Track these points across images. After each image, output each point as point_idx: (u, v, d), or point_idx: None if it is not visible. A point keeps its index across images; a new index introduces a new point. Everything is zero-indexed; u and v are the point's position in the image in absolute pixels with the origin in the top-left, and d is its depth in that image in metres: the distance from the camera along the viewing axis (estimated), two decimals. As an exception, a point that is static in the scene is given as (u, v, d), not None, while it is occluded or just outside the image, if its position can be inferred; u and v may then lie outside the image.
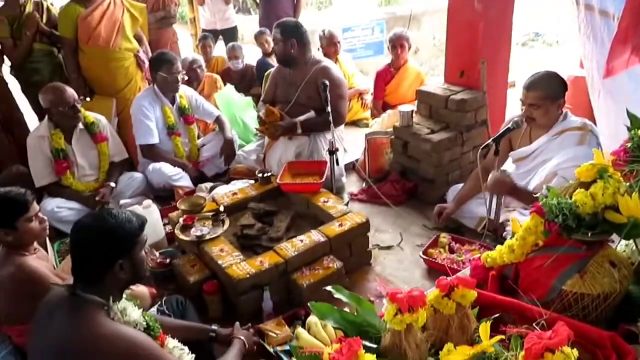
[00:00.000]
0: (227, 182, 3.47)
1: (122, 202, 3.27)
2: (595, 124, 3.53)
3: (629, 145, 1.85)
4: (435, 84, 3.58)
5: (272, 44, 3.79)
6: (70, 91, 3.13)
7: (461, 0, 3.28)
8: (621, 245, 1.70)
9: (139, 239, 1.61)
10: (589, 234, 1.47)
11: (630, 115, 1.97)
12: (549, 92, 2.56)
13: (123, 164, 3.54)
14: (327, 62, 3.57)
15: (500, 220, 2.77)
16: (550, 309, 1.53)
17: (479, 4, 3.20)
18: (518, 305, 1.49)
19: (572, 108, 3.96)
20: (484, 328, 1.20)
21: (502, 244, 2.68)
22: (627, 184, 1.54)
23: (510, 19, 3.42)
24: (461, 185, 3.13)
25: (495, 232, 2.78)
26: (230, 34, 5.53)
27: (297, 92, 3.46)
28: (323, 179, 2.97)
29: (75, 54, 3.68)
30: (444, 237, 2.82)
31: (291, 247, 2.50)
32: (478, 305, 1.45)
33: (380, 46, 6.79)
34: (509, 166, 3.01)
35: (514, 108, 3.31)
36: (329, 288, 1.46)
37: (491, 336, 1.25)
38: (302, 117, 3.41)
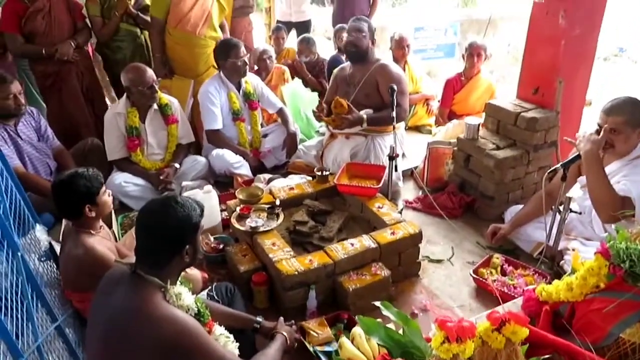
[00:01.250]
0: (285, 175, 3.53)
1: (184, 183, 3.41)
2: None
3: None
4: (506, 99, 3.47)
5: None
6: (150, 72, 3.29)
7: (544, 13, 3.14)
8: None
9: (200, 226, 1.70)
10: (657, 285, 1.40)
11: None
12: (632, 118, 2.42)
13: (189, 146, 3.68)
14: (385, 60, 3.56)
15: (559, 248, 2.67)
16: (606, 356, 1.48)
17: (564, 20, 3.06)
18: (570, 347, 1.45)
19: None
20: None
21: (558, 272, 2.61)
22: None
23: (596, 38, 3.25)
24: (521, 206, 3.04)
25: (552, 260, 2.69)
26: (304, 27, 5.58)
27: (356, 90, 3.46)
28: (380, 185, 2.97)
29: (161, 35, 3.83)
30: (497, 258, 2.75)
31: (341, 250, 2.53)
32: (528, 342, 1.41)
33: (452, 49, 6.64)
34: (576, 192, 2.88)
35: (587, 129, 3.17)
36: (377, 303, 1.47)
37: (539, 378, 1.23)
38: (368, 111, 3.40)
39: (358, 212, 2.98)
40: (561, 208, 2.56)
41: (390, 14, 8.78)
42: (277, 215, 2.78)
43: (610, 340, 1.50)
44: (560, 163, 2.57)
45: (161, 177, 3.34)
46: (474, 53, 4.12)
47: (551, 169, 2.65)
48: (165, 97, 3.47)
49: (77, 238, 2.13)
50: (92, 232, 2.18)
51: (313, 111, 3.54)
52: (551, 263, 2.69)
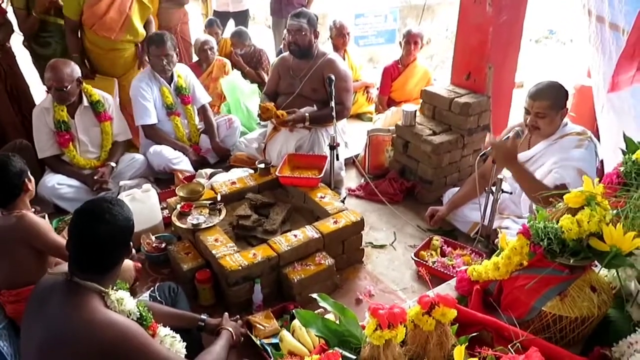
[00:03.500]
0: (227, 169, 3.50)
1: (122, 183, 3.31)
2: (598, 134, 3.55)
3: (621, 169, 1.87)
4: (441, 85, 3.58)
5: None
6: (69, 71, 3.09)
7: (472, 2, 3.25)
8: (604, 270, 1.73)
9: None
10: (572, 260, 1.50)
11: (627, 139, 1.99)
12: (555, 101, 2.58)
13: (126, 144, 3.57)
14: (332, 54, 3.57)
15: (494, 227, 2.80)
16: (529, 328, 1.58)
17: (491, 8, 3.17)
18: (497, 324, 1.53)
19: (576, 117, 3.98)
20: (459, 352, 1.24)
21: (493, 250, 2.74)
22: (614, 211, 1.57)
23: (521, 24, 3.39)
24: (458, 188, 3.16)
25: (487, 238, 2.82)
26: (242, 17, 5.49)
27: (302, 84, 3.46)
28: (322, 175, 3.00)
29: (75, 34, 3.68)
30: (437, 240, 2.86)
31: (285, 242, 2.54)
32: (458, 322, 1.49)
33: (392, 34, 6.73)
34: (506, 173, 3.03)
35: (519, 111, 3.31)
36: (314, 295, 1.50)
37: (467, 356, 1.30)
38: (309, 109, 3.42)
39: (301, 203, 3.01)
40: (494, 189, 2.68)
41: (331, 1, 8.78)
42: (219, 211, 2.76)
43: (534, 314, 1.60)
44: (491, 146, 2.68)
45: (96, 177, 3.23)
46: (410, 41, 4.20)
47: (482, 153, 2.76)
48: (97, 94, 3.33)
49: (8, 216, 2.12)
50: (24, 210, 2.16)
51: (258, 115, 3.51)
52: (487, 242, 2.82)
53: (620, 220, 1.52)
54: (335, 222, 2.68)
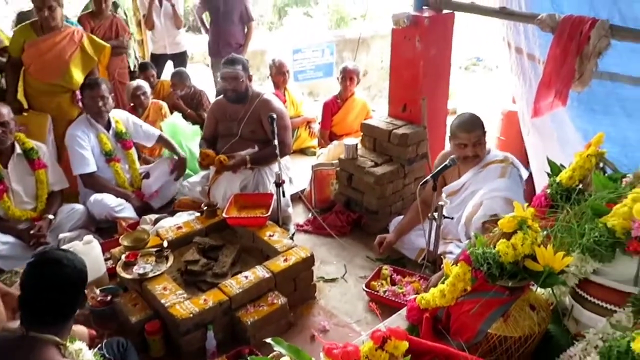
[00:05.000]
0: (172, 214, 3.44)
1: (61, 236, 3.17)
2: (528, 157, 3.78)
3: (548, 191, 2.01)
4: (379, 117, 3.72)
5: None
6: (3, 111, 3.01)
7: (403, 39, 3.43)
8: (540, 288, 1.83)
9: None
10: (510, 282, 1.59)
11: (550, 162, 2.15)
12: (484, 128, 2.83)
13: (65, 194, 3.44)
14: (267, 94, 3.64)
15: (439, 252, 2.90)
16: (477, 352, 1.64)
17: (420, 44, 3.36)
18: (447, 350, 1.58)
19: (506, 140, 4.23)
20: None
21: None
22: (545, 231, 1.68)
23: (449, 57, 3.61)
24: (403, 216, 3.25)
25: (434, 264, 2.91)
26: (180, 59, 5.47)
27: (240, 126, 3.50)
28: (269, 213, 3.01)
29: (15, 70, 3.65)
30: (386, 269, 2.91)
31: (235, 284, 2.52)
32: (410, 352, 1.52)
33: (330, 68, 6.92)
34: (446, 199, 3.16)
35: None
36: (268, 340, 1.50)
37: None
38: (249, 151, 3.44)
39: (250, 243, 2.99)
40: (436, 215, 2.79)
41: (268, 38, 8.97)
42: (167, 258, 2.70)
43: (481, 336, 1.66)
44: (430, 175, 2.80)
45: (32, 232, 3.08)
46: (346, 77, 4.35)
47: (423, 181, 2.88)
48: (30, 142, 3.23)
49: None
50: None
51: (199, 162, 3.52)
52: (434, 267, 2.91)
53: (550, 241, 1.63)
54: (286, 260, 2.69)
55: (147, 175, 3.75)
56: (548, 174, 2.10)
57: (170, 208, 3.66)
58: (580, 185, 1.90)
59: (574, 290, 1.69)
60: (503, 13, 3.04)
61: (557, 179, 1.96)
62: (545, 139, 3.37)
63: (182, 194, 3.67)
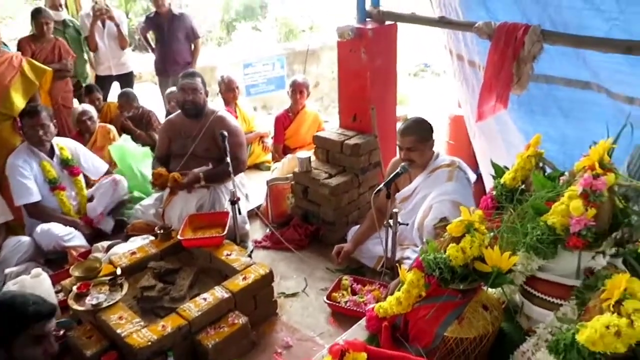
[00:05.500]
0: (125, 239, 3.34)
1: (7, 271, 3.02)
2: (477, 159, 3.90)
3: (494, 193, 2.08)
4: (331, 128, 3.75)
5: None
6: None
7: (349, 51, 3.49)
8: (491, 288, 1.89)
9: None
10: (462, 285, 1.63)
11: (494, 165, 2.22)
12: (420, 135, 2.85)
13: (8, 226, 3.30)
14: (222, 111, 3.61)
15: (397, 258, 2.94)
16: (435, 356, 1.67)
17: (365, 55, 3.42)
18: (406, 357, 1.60)
19: (455, 144, 4.35)
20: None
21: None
22: (492, 232, 1.73)
23: (395, 66, 3.69)
24: (359, 225, 3.28)
25: (392, 270, 2.94)
26: (127, 80, 5.35)
27: (194, 144, 3.45)
28: (225, 232, 2.97)
29: None
30: (346, 280, 2.93)
31: (194, 307, 2.47)
32: (369, 363, 1.53)
33: (282, 81, 6.96)
34: (400, 205, 3.21)
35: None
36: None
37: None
38: (203, 168, 3.40)
39: (207, 263, 2.95)
40: (391, 222, 2.83)
41: (218, 53, 8.92)
42: (121, 286, 2.62)
43: (438, 341, 1.69)
44: (383, 183, 2.84)
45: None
46: (296, 90, 4.37)
47: (376, 190, 2.92)
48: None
49: None
50: None
51: (151, 182, 3.45)
52: (392, 273, 2.93)
53: (497, 242, 1.68)
54: (245, 279, 2.66)
55: (90, 199, 3.63)
56: (493, 176, 2.17)
57: (123, 233, 3.55)
58: (523, 186, 1.97)
59: (522, 287, 1.75)
60: (442, 22, 3.14)
61: (501, 181, 2.03)
62: (491, 141, 3.49)
63: (136, 218, 3.57)
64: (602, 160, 1.55)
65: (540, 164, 2.02)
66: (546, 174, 1.97)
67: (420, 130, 2.84)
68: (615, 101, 2.55)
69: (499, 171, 2.17)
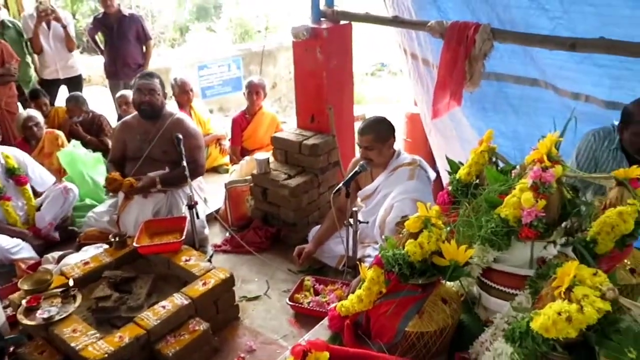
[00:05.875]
0: (78, 249, 3.21)
1: (-51, 287, 2.86)
2: (434, 156, 3.97)
3: (450, 188, 2.12)
4: (289, 129, 3.74)
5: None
6: None
7: (304, 51, 3.48)
8: (450, 282, 1.92)
9: None
10: (421, 280, 1.65)
11: (449, 161, 2.26)
12: (379, 134, 2.87)
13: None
14: (180, 113, 3.54)
15: (358, 257, 2.95)
16: (398, 351, 1.68)
17: (321, 55, 3.43)
18: (368, 355, 1.61)
19: (412, 142, 4.43)
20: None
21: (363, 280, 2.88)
22: (448, 227, 1.76)
23: (351, 66, 3.71)
24: (320, 225, 3.28)
25: (354, 269, 2.95)
26: (75, 83, 5.14)
27: (151, 146, 3.36)
28: (183, 237, 2.91)
29: None
30: (308, 280, 2.92)
31: (153, 316, 2.40)
32: (332, 362, 1.53)
33: (239, 82, 6.88)
34: (360, 204, 3.23)
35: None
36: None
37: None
38: (158, 173, 3.32)
39: (166, 270, 2.87)
40: (352, 221, 2.84)
41: (172, 55, 8.73)
42: (74, 297, 2.52)
43: (400, 336, 1.70)
44: (342, 182, 2.85)
45: None
46: (252, 91, 4.33)
47: (335, 189, 2.92)
48: None
49: None
50: None
51: (104, 187, 3.34)
52: (354, 272, 2.95)
53: (454, 236, 1.71)
54: (205, 284, 2.61)
55: (39, 208, 3.48)
56: (448, 172, 2.21)
57: (75, 242, 3.41)
58: (477, 180, 2.02)
59: (479, 279, 1.79)
60: (396, 22, 3.18)
61: (457, 176, 2.07)
62: (447, 138, 3.57)
63: (88, 226, 3.43)
64: (550, 154, 1.61)
65: (494, 159, 2.07)
66: (499, 168, 2.02)
67: (379, 129, 2.86)
68: (562, 97, 2.66)
69: (454, 167, 2.21)
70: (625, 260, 1.79)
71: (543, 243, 1.62)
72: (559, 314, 1.26)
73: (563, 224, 1.65)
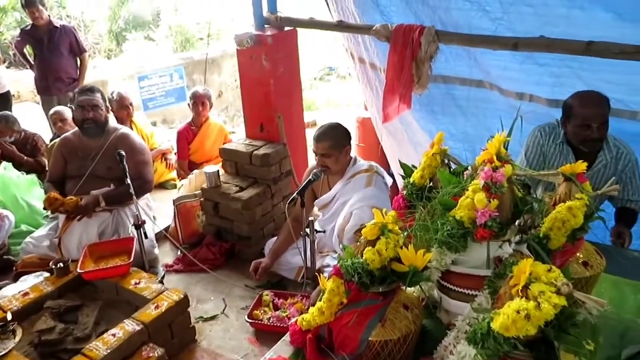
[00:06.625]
0: (15, 279, 2.99)
1: None
2: (387, 160, 3.99)
3: (405, 192, 2.10)
4: (238, 140, 3.65)
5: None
6: None
7: (250, 59, 3.42)
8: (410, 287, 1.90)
9: None
10: (381, 288, 1.61)
11: (402, 165, 2.25)
12: (335, 141, 2.83)
13: None
14: (124, 128, 3.39)
15: (317, 266, 2.90)
16: (362, 363, 1.63)
17: (267, 62, 3.37)
18: (332, 369, 1.55)
19: (365, 146, 4.43)
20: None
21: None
22: (405, 232, 1.74)
23: (298, 72, 3.67)
24: (276, 237, 3.21)
25: (314, 280, 2.90)
26: (3, 101, 4.83)
27: (94, 163, 3.18)
28: (131, 258, 2.76)
29: None
30: (267, 295, 2.83)
31: (102, 345, 2.25)
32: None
33: (182, 92, 6.71)
34: (317, 212, 3.19)
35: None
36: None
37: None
38: (103, 190, 3.15)
39: (114, 295, 2.71)
40: (308, 230, 2.78)
41: (108, 66, 8.37)
42: (13, 332, 2.35)
43: (363, 346, 1.66)
44: (296, 192, 2.79)
45: None
46: (197, 102, 4.19)
47: (290, 199, 2.86)
48: None
49: None
50: None
51: (44, 208, 3.14)
52: (314, 283, 2.89)
53: (411, 240, 1.69)
54: (157, 307, 2.48)
55: None
56: (402, 176, 2.20)
57: (12, 272, 3.16)
58: (431, 183, 2.01)
59: (439, 283, 1.77)
60: (341, 26, 3.17)
61: (411, 180, 2.06)
62: (399, 141, 3.59)
63: (26, 253, 3.18)
64: (499, 153, 1.61)
65: (446, 161, 2.08)
66: (451, 170, 2.03)
67: (335, 136, 2.82)
68: (507, 97, 2.72)
69: (407, 170, 2.20)
70: (578, 254, 1.83)
71: (498, 242, 1.63)
72: (518, 312, 1.26)
73: (516, 222, 1.66)
